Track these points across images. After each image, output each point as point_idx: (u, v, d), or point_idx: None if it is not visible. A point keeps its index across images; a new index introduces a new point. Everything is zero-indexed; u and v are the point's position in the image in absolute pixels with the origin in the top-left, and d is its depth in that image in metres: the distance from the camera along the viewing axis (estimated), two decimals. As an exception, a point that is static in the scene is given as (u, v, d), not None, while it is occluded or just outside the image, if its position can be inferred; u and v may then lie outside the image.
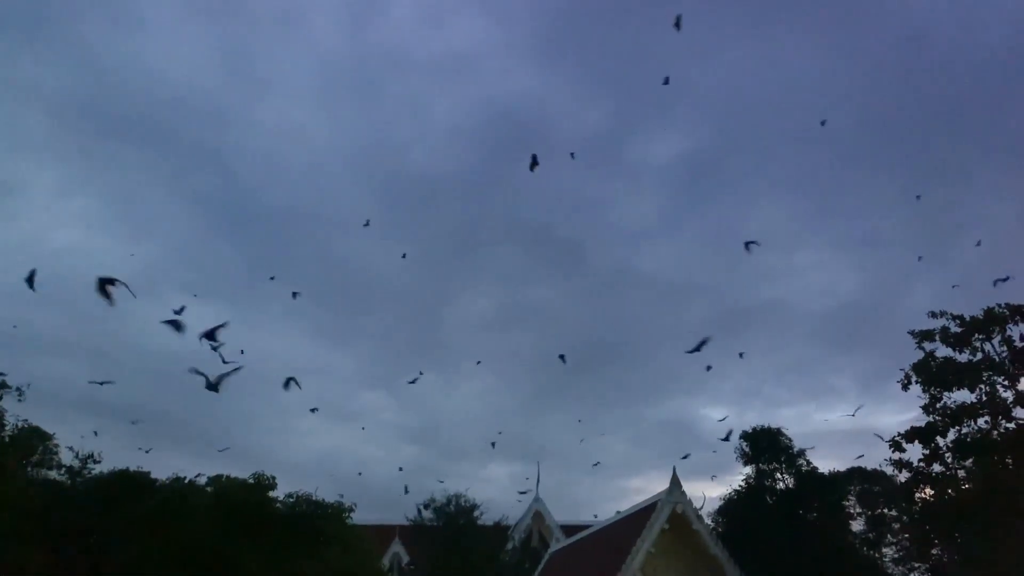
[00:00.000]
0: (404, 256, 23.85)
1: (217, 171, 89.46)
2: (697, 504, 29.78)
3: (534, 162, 24.07)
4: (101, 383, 24.10)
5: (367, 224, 26.43)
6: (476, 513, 43.48)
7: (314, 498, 29.31)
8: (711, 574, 28.96)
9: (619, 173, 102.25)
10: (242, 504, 28.38)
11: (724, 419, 50.22)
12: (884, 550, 37.32)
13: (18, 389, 26.91)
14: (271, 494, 29.10)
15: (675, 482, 29.75)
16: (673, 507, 29.27)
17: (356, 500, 31.09)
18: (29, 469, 30.78)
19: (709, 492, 71.37)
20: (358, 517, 32.19)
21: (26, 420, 27.34)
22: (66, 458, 31.89)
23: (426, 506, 43.38)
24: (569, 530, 46.58)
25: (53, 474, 31.96)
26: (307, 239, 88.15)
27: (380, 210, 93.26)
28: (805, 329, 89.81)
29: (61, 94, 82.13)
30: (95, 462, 32.15)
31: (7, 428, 26.20)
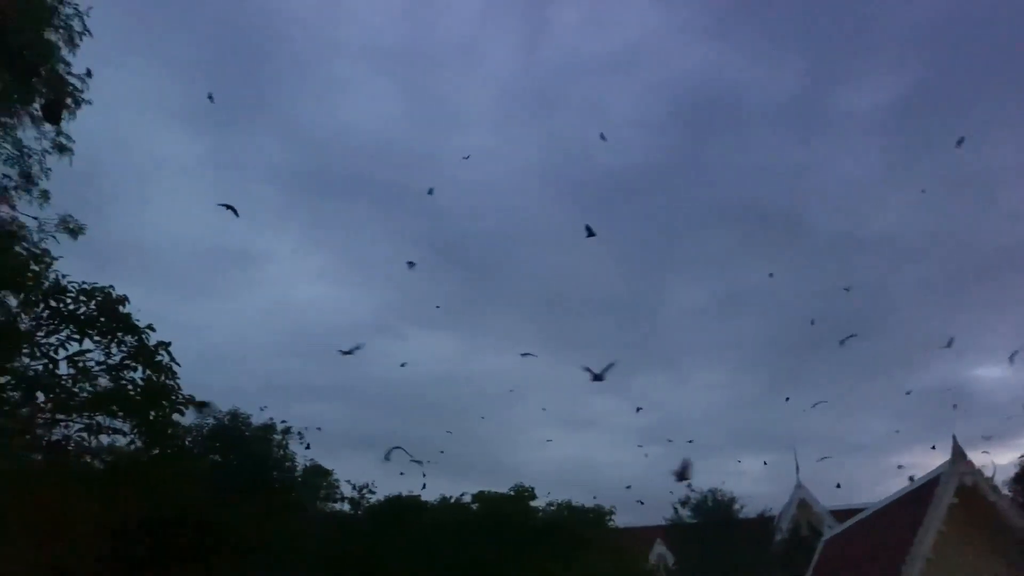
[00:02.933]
0: (590, 232, 23.51)
1: (425, 210, 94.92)
2: (988, 474, 26.65)
3: (589, 233, 23.38)
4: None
5: (587, 232, 26.29)
6: (736, 507, 42.00)
7: (573, 504, 29.71)
8: (1017, 549, 25.71)
9: (825, 131, 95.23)
10: (506, 517, 29.44)
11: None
12: None
13: (299, 433, 29.68)
14: (532, 504, 29.90)
15: (958, 451, 26.81)
16: (960, 479, 26.38)
17: (606, 504, 31.17)
18: (317, 503, 33.89)
19: (997, 459, 63.48)
20: (616, 521, 32.26)
21: (311, 459, 30.12)
22: (346, 490, 34.73)
23: (683, 504, 42.60)
24: (840, 515, 43.48)
25: (337, 506, 34.98)
26: (514, 257, 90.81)
27: (576, 217, 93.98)
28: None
29: (286, 165, 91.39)
30: (371, 492, 34.76)
31: (297, 469, 29.04)
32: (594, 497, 30.63)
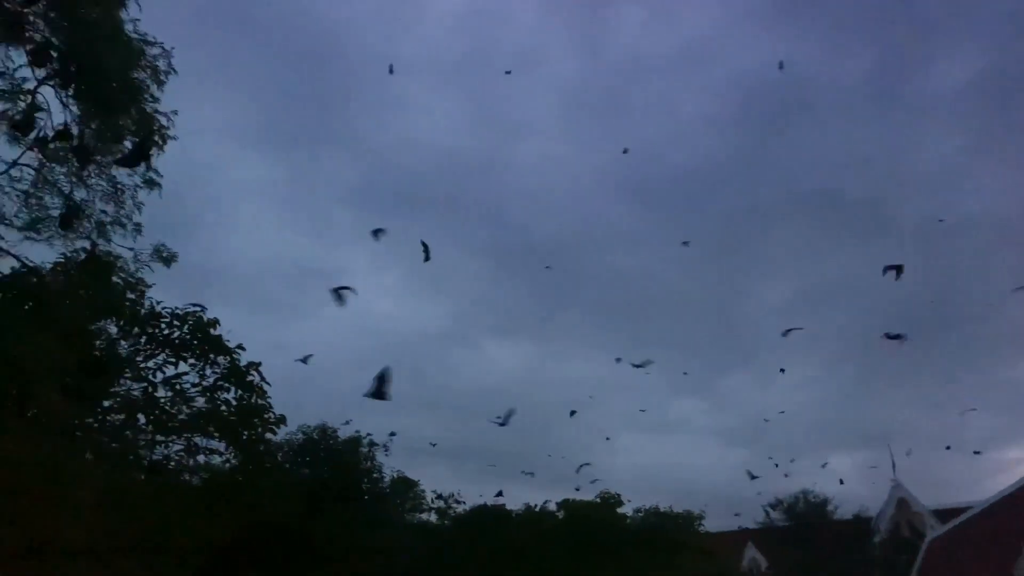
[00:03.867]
0: (686, 244, 22.96)
1: (494, 219, 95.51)
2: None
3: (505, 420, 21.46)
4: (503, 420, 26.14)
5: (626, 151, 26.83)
6: (830, 508, 40.63)
7: (661, 510, 29.28)
8: None
9: (903, 115, 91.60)
10: (593, 524, 29.23)
11: None
12: None
13: (384, 446, 30.17)
14: (619, 511, 29.61)
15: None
16: (1077, 473, 24.86)
17: (692, 508, 30.61)
18: (404, 514, 34.37)
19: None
20: (706, 525, 31.63)
21: (398, 470, 30.57)
22: (432, 500, 35.08)
23: (773, 507, 41.46)
24: (943, 515, 41.52)
25: (424, 517, 35.40)
26: (586, 261, 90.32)
27: (648, 217, 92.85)
28: None
29: (356, 184, 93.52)
30: (457, 502, 35.04)
31: (385, 480, 29.52)
32: (669, 505, 30.06)
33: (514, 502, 34.79)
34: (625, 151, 34.75)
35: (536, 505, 33.52)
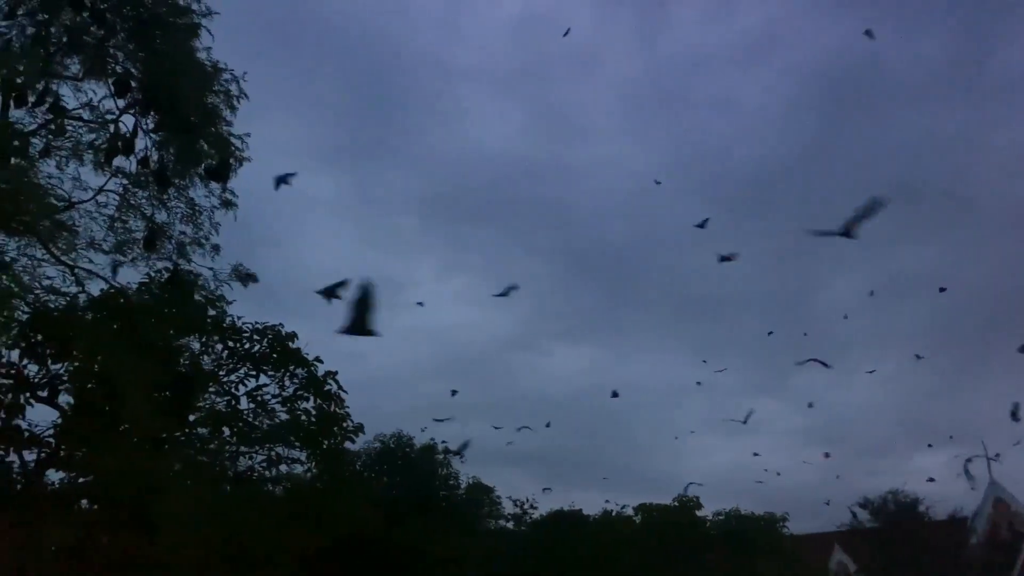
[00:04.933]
0: (703, 225, 22.24)
1: (557, 223, 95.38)
2: None
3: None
4: (518, 429, 26.24)
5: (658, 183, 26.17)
6: (921, 508, 38.99)
7: (742, 512, 28.66)
8: None
9: (985, 97, 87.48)
10: (672, 527, 28.83)
11: None
12: None
13: (459, 453, 30.39)
14: (698, 513, 29.12)
15: None
16: None
17: (774, 510, 29.82)
18: (481, 520, 34.51)
19: None
20: (790, 528, 30.78)
21: (474, 476, 30.76)
22: (507, 506, 35.15)
23: (861, 507, 40.01)
24: (1045, 514, 39.46)
25: (500, 523, 35.45)
26: (652, 262, 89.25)
27: (716, 216, 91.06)
28: None
29: (421, 195, 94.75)
30: (532, 507, 35.03)
31: (461, 487, 29.73)
32: (754, 501, 29.32)
33: (592, 507, 34.64)
34: (658, 183, 32.55)
35: (612, 510, 33.30)
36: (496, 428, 26.95)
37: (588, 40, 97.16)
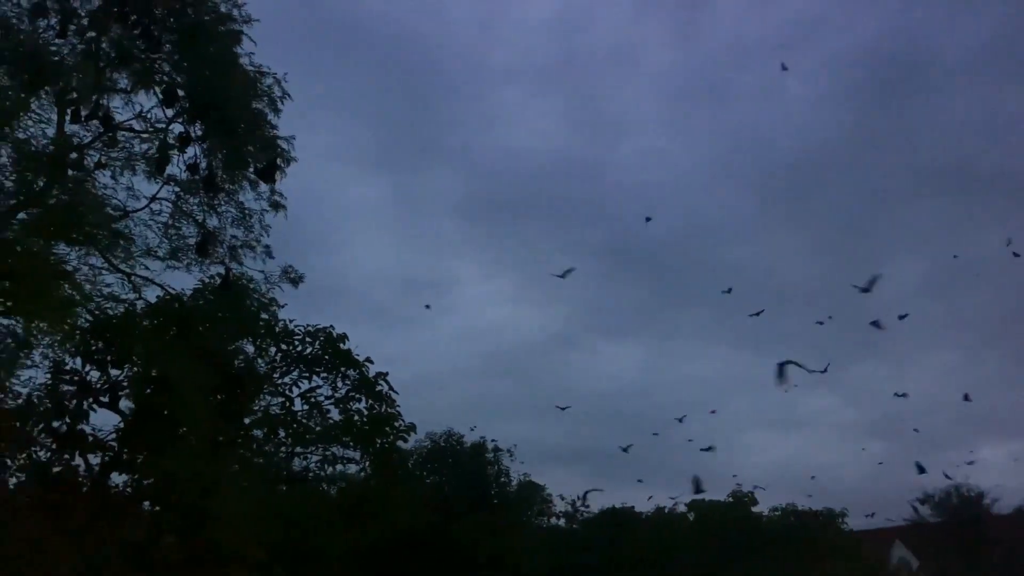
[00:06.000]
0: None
1: (599, 219, 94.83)
2: None
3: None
4: (563, 407, 26.07)
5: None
6: (986, 502, 37.73)
7: (799, 508, 28.10)
8: None
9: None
10: (727, 524, 28.41)
11: None
12: None
13: (508, 451, 30.39)
14: (753, 510, 28.63)
15: None
16: None
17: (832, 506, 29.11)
18: (533, 519, 34.44)
19: None
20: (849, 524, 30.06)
21: (525, 474, 30.72)
22: (558, 504, 35.01)
23: (923, 502, 38.84)
24: (1119, 505, 37.87)
25: (552, 521, 35.34)
26: (698, 255, 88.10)
27: (763, 206, 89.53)
28: None
29: (462, 196, 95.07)
30: (585, 505, 34.85)
31: (512, 485, 29.72)
32: (809, 496, 28.62)
33: (643, 504, 34.30)
34: (648, 219, 29.41)
35: (665, 507, 32.96)
36: (562, 408, 26.51)
37: (626, 34, 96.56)
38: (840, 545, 27.54)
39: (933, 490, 39.05)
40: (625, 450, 21.43)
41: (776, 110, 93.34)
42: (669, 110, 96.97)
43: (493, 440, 29.35)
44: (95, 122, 15.55)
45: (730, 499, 29.21)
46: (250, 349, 17.77)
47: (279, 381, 17.87)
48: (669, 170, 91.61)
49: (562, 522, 35.34)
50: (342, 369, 18.14)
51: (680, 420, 26.92)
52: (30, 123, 14.28)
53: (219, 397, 15.79)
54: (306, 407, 17.82)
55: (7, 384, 14.19)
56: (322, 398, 18.02)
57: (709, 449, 26.37)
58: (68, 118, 14.96)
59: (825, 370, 23.85)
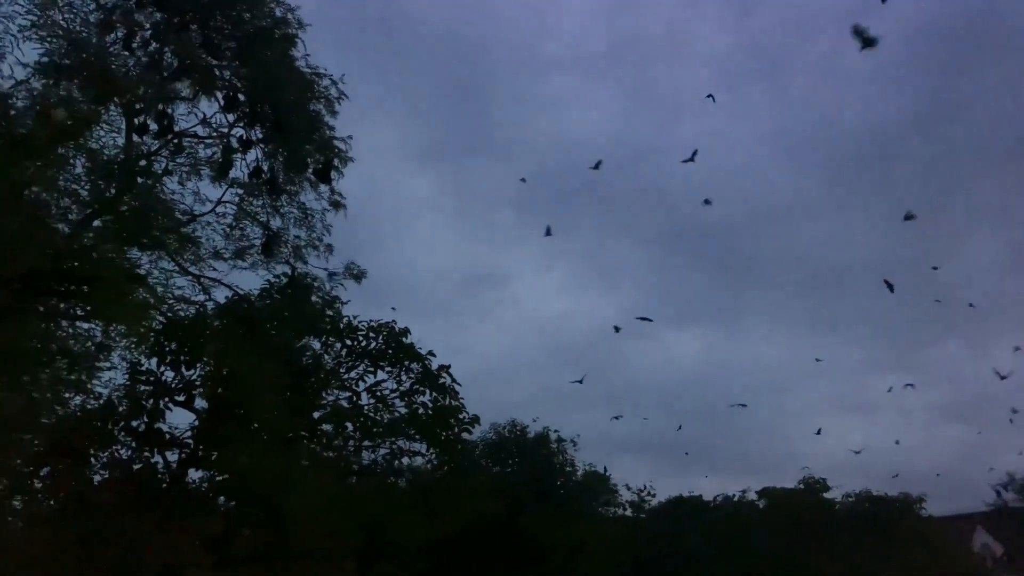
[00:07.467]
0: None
1: (659, 206, 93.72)
2: None
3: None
4: (578, 381, 25.89)
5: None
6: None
7: (874, 494, 27.34)
8: None
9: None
10: (799, 511, 27.82)
11: None
12: None
13: (572, 441, 30.30)
14: (825, 496, 27.99)
15: None
16: None
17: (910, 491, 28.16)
18: (599, 509, 34.32)
19: None
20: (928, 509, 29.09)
21: (590, 464, 30.62)
22: (624, 494, 34.80)
23: (1005, 487, 37.41)
24: None
25: (617, 510, 35.15)
26: (764, 238, 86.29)
27: (829, 184, 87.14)
28: None
29: (517, 187, 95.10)
30: (650, 495, 34.57)
31: (577, 475, 29.66)
32: (895, 476, 27.67)
33: (711, 492, 33.89)
34: (707, 202, 24.21)
35: (735, 494, 32.48)
36: (577, 382, 26.29)
37: (679, 15, 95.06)
38: (919, 531, 26.68)
39: (1018, 474, 37.64)
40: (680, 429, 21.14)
41: (840, 84, 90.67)
42: (725, 89, 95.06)
43: (556, 430, 29.37)
44: (160, 130, 16.05)
45: (800, 486, 28.59)
46: (316, 345, 18.15)
47: (345, 376, 18.20)
48: (729, 152, 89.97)
49: (628, 512, 35.17)
50: (406, 363, 18.39)
51: (743, 406, 26.47)
52: (101, 133, 14.82)
53: (288, 393, 16.14)
54: (372, 401, 18.11)
55: (89, 386, 14.77)
56: (388, 392, 18.30)
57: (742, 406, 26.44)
58: (135, 128, 15.49)
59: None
